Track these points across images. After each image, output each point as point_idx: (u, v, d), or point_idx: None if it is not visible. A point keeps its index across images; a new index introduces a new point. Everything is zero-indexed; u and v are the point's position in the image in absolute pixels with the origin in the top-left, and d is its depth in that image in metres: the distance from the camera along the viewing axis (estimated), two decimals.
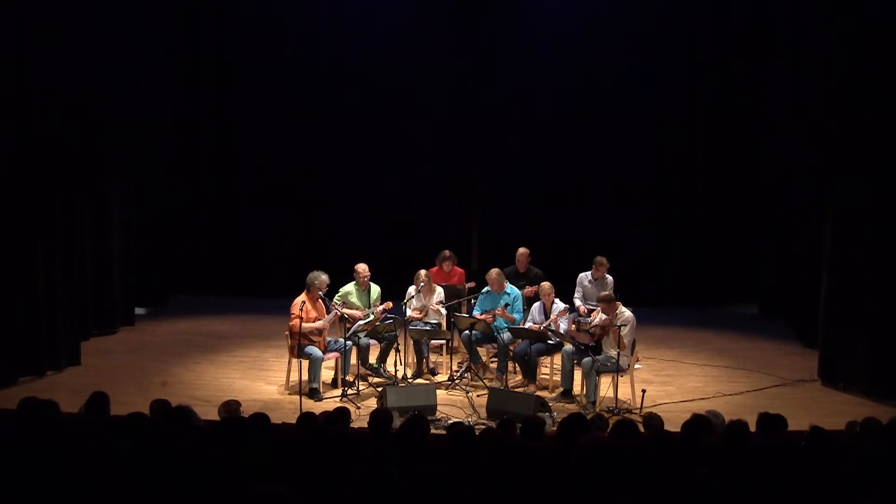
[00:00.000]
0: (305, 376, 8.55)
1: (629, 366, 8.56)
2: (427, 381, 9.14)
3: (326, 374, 9.15)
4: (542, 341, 8.90)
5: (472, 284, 10.37)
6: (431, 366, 9.58)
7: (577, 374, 8.71)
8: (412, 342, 9.44)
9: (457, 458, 4.31)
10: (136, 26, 11.33)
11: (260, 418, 5.64)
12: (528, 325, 9.07)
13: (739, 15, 12.93)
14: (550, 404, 8.22)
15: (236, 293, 13.38)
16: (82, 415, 6.03)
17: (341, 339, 8.99)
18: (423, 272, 9.59)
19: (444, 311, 9.67)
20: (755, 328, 11.99)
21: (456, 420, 7.61)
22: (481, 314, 9.35)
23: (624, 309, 8.61)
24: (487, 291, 9.43)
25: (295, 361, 8.81)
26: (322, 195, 13.55)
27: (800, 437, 5.33)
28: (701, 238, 13.20)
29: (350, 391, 8.69)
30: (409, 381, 9.19)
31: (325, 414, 6.27)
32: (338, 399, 8.47)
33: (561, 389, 8.79)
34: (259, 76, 13.39)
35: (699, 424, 5.63)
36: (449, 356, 9.57)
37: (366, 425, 5.77)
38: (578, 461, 3.76)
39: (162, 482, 3.80)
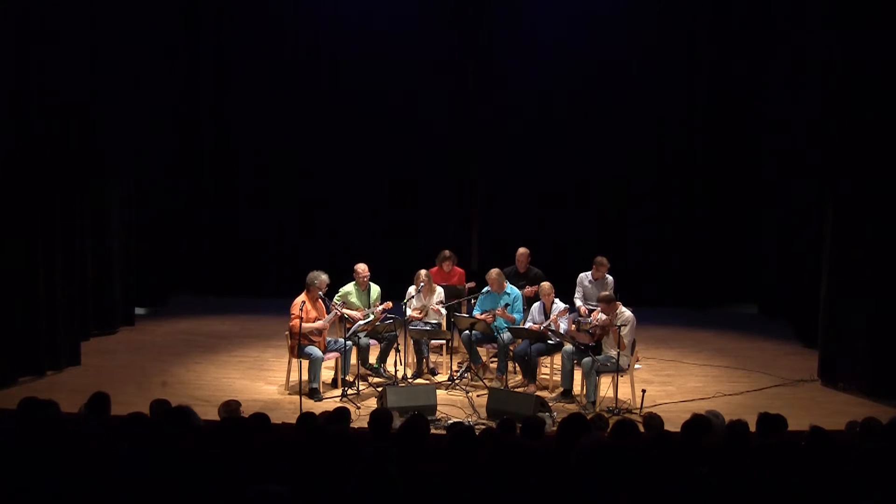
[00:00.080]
0: (305, 376, 8.55)
1: (629, 366, 8.56)
2: (427, 381, 9.13)
3: (326, 374, 9.15)
4: (542, 341, 8.90)
5: (472, 284, 10.37)
6: (431, 366, 9.58)
7: (577, 374, 8.72)
8: (412, 342, 9.44)
9: (457, 458, 4.31)
10: (136, 26, 11.32)
11: (260, 418, 5.65)
12: (528, 325, 9.07)
13: (739, 15, 12.92)
14: (550, 404, 8.22)
15: (236, 293, 13.38)
16: (82, 415, 6.03)
17: (341, 339, 8.99)
18: (423, 272, 9.59)
19: (444, 311, 9.67)
20: (755, 328, 11.99)
21: (456, 420, 7.61)
22: (481, 314, 9.35)
23: (624, 309, 8.61)
24: (487, 291, 9.43)
25: (295, 361, 8.81)
26: (322, 195, 13.55)
27: (800, 437, 5.33)
28: (701, 238, 13.19)
29: (350, 391, 8.69)
30: (409, 381, 9.19)
31: (325, 414, 6.27)
32: (338, 399, 8.47)
33: (561, 389, 8.79)
34: (259, 76, 13.39)
35: (699, 424, 5.63)
36: (449, 356, 9.57)
37: (366, 425, 5.77)
38: (578, 461, 3.76)
39: (162, 482, 3.80)
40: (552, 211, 13.37)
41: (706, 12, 13.03)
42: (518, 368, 9.24)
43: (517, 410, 7.44)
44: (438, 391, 8.52)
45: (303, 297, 8.83)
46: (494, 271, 9.42)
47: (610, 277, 9.99)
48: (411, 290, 9.63)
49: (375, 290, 9.54)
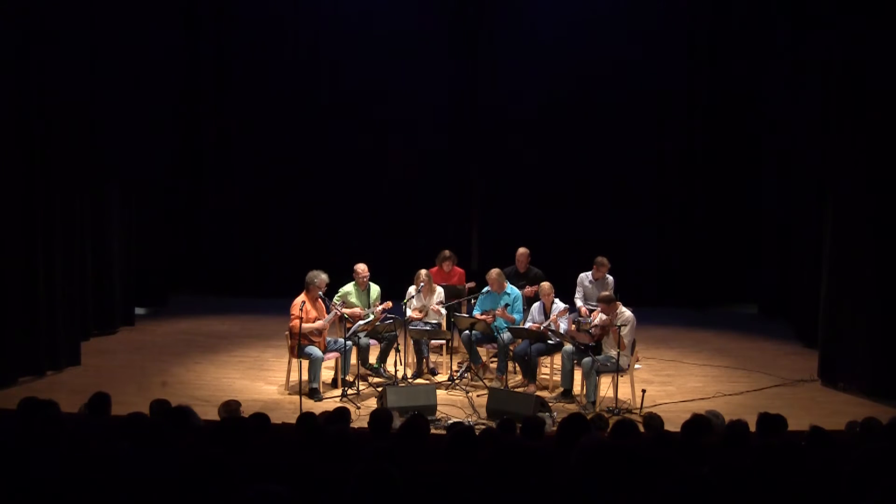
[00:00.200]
0: (305, 376, 8.55)
1: (629, 366, 8.56)
2: (427, 381, 9.13)
3: (326, 374, 9.15)
4: (542, 341, 8.90)
5: (472, 284, 10.37)
6: (431, 366, 9.58)
7: (577, 374, 8.71)
8: (412, 342, 9.44)
9: (457, 458, 4.31)
10: (136, 26, 11.32)
11: (260, 418, 5.65)
12: (528, 325, 9.07)
13: (739, 15, 12.93)
14: (550, 404, 8.22)
15: (236, 293, 13.38)
16: (82, 415, 6.03)
17: (341, 339, 8.99)
18: (423, 272, 9.59)
19: (444, 311, 9.67)
20: (755, 328, 11.99)
21: (456, 420, 7.61)
22: (481, 314, 9.35)
23: (624, 309, 8.61)
24: (487, 291, 9.43)
25: (295, 361, 8.81)
26: (322, 195, 13.55)
27: (800, 437, 5.33)
28: (701, 238, 13.20)
29: (350, 391, 8.69)
30: (409, 381, 9.19)
31: (325, 414, 6.27)
32: (338, 399, 8.47)
33: (561, 389, 8.79)
34: (259, 76, 13.39)
35: (699, 424, 5.63)
36: (449, 356, 9.57)
37: (366, 425, 5.77)
38: (578, 461, 3.76)
39: (162, 482, 3.80)
40: (552, 211, 13.37)
41: (706, 12, 13.04)
42: (518, 368, 9.24)
43: (517, 410, 7.44)
44: (438, 391, 8.52)
45: (303, 297, 8.83)
46: (494, 271, 9.42)
47: (610, 277, 9.99)
48: (411, 290, 9.63)
49: (375, 290, 9.54)
